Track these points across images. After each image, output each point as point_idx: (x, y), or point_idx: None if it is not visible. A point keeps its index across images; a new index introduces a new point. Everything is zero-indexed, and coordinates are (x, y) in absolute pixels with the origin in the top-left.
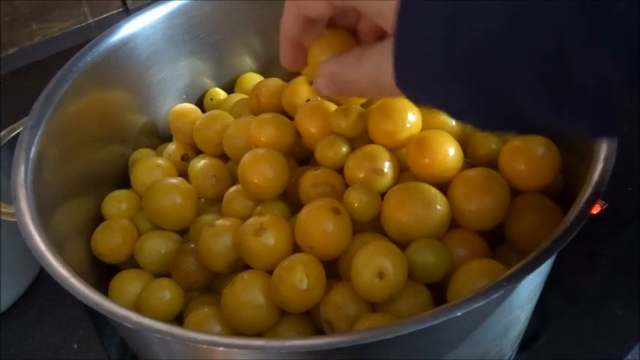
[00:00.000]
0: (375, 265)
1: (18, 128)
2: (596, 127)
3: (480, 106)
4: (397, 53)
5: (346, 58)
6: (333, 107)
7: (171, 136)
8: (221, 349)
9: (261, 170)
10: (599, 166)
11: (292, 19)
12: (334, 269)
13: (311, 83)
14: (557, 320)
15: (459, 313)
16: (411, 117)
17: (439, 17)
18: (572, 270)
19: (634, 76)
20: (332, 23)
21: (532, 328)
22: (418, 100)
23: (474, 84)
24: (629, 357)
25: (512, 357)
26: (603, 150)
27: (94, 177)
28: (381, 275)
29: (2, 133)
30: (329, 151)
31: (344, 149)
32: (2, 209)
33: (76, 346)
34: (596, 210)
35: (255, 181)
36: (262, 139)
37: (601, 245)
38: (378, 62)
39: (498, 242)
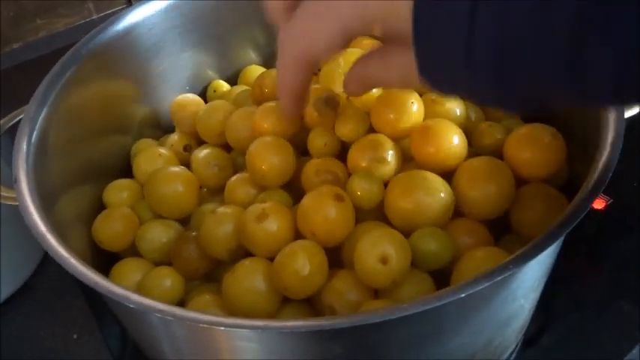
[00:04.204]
0: (378, 250)
1: (19, 115)
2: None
3: (503, 91)
4: (418, 53)
5: (371, 61)
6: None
7: (174, 127)
8: (222, 328)
9: (269, 157)
10: (606, 151)
11: (300, 71)
12: (336, 257)
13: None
14: (562, 317)
15: (463, 295)
16: (414, 106)
17: (458, 14)
18: (577, 267)
19: None
20: None
21: (537, 324)
22: (444, 92)
23: (495, 74)
24: (634, 351)
25: (517, 350)
26: (610, 136)
27: (95, 166)
28: (384, 261)
29: (3, 120)
30: (317, 141)
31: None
32: (3, 194)
33: (75, 337)
34: (601, 205)
35: (263, 167)
36: (265, 125)
37: (606, 242)
38: (404, 60)
39: (502, 233)
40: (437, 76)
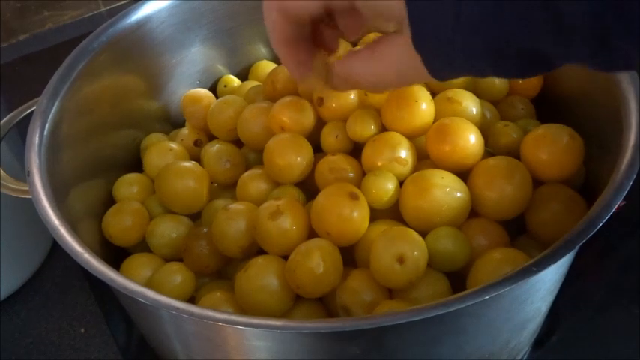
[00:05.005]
0: (395, 249)
1: (29, 109)
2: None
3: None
4: (420, 48)
5: (357, 60)
6: None
7: (184, 122)
8: (239, 327)
9: (287, 154)
10: (628, 154)
11: (285, 28)
12: (350, 257)
13: None
14: (570, 319)
15: (487, 297)
16: (422, 104)
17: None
18: (585, 268)
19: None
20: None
21: (545, 326)
22: (447, 78)
23: (488, 50)
24: None
25: (528, 352)
26: (632, 138)
27: (106, 160)
28: (401, 260)
29: (12, 114)
30: (329, 137)
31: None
32: (14, 186)
33: (83, 331)
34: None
35: (280, 164)
36: (284, 119)
37: (616, 243)
38: (395, 58)
39: (517, 234)
40: (432, 51)
